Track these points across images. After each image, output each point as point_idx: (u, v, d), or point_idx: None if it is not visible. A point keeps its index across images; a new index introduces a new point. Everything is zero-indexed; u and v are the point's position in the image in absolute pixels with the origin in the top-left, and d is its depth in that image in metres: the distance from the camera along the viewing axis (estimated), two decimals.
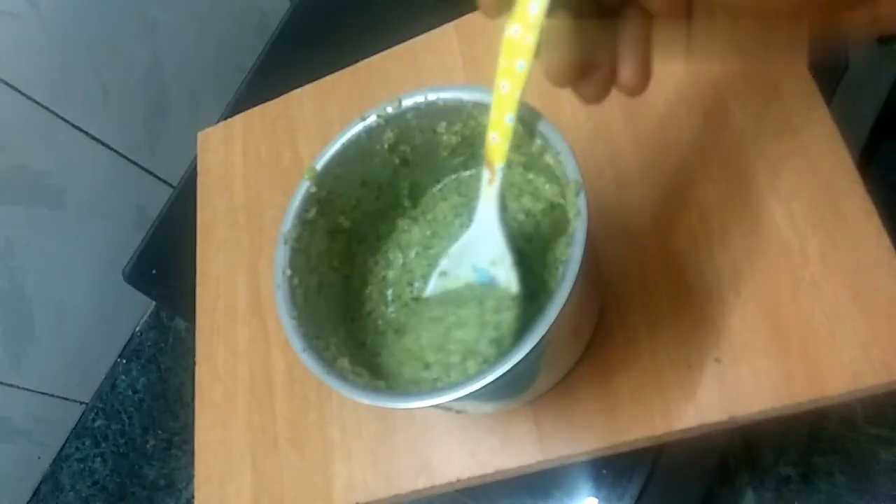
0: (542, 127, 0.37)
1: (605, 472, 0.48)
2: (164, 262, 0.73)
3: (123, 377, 0.99)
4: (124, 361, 0.99)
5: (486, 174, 0.37)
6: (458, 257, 0.40)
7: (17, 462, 0.93)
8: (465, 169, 0.46)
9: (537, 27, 0.30)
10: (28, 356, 0.87)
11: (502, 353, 0.36)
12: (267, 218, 0.59)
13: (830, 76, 0.54)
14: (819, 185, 0.43)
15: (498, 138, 0.35)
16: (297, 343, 0.38)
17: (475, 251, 0.39)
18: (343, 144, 0.42)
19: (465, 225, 0.42)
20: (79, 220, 0.87)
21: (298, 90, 0.63)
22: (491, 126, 0.35)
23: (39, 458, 0.96)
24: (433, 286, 0.41)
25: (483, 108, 0.39)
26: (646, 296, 0.44)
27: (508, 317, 0.37)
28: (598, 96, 0.31)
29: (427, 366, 0.38)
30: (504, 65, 0.32)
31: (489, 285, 0.39)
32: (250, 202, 0.61)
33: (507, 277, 0.38)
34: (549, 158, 0.38)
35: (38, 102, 0.78)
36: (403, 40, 0.60)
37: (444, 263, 0.41)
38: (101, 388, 0.99)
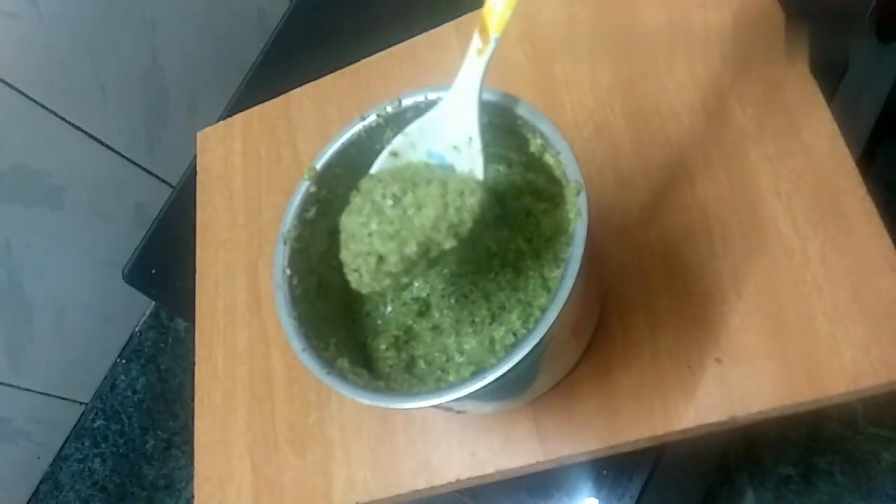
0: (543, 126, 0.37)
1: (605, 472, 0.48)
2: (164, 262, 0.73)
3: (123, 377, 0.99)
4: (124, 361, 0.99)
5: (476, 42, 0.33)
6: (415, 137, 0.37)
7: (16, 462, 0.93)
8: None
9: None
10: (27, 356, 0.87)
11: (460, 242, 0.34)
12: (266, 217, 0.59)
13: (831, 76, 0.54)
14: (820, 185, 0.43)
15: (501, 5, 0.32)
16: (296, 343, 0.38)
17: (439, 132, 0.36)
18: (343, 144, 0.42)
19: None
20: (78, 220, 0.87)
21: (298, 89, 0.63)
22: None
23: (39, 458, 0.96)
24: (380, 164, 0.37)
25: (483, 106, 0.39)
26: (646, 296, 0.44)
27: (472, 202, 0.34)
28: None
29: (381, 259, 0.34)
30: None
31: (448, 170, 0.36)
32: (250, 202, 0.61)
33: (473, 161, 0.35)
34: (549, 158, 0.38)
35: (37, 102, 0.78)
36: (403, 40, 0.60)
37: (397, 142, 0.37)
38: (101, 388, 0.99)
